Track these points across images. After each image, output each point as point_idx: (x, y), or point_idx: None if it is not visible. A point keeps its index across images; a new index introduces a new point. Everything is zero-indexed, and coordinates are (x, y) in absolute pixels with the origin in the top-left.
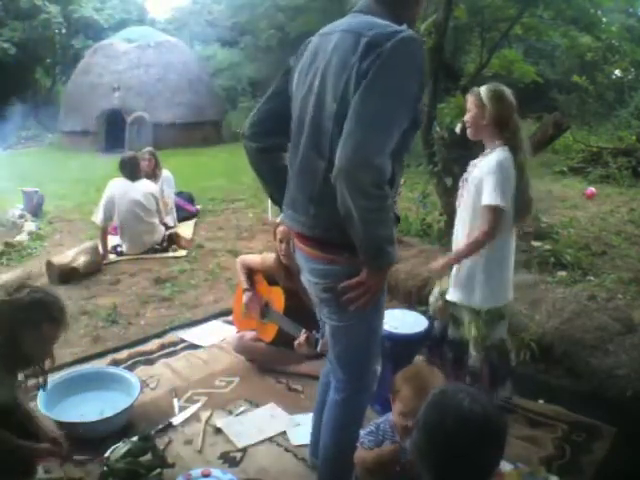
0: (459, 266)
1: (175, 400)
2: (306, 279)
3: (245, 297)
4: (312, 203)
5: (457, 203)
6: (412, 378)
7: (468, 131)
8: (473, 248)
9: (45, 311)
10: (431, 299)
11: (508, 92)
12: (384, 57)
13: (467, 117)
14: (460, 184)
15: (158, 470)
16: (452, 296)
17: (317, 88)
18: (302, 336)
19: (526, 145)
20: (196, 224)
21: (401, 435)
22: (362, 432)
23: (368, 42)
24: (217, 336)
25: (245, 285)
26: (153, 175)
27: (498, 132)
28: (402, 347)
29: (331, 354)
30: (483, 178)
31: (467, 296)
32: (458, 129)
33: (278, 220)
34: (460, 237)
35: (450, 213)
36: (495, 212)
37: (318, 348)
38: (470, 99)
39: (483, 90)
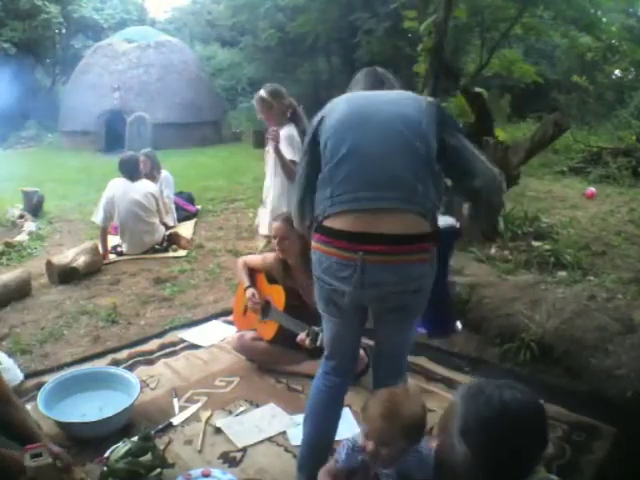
0: None
1: (175, 400)
2: (381, 296)
3: (248, 293)
4: (418, 181)
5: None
6: (383, 400)
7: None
8: None
9: None
10: None
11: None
12: None
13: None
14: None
15: (158, 470)
16: None
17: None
18: (303, 333)
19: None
20: (196, 224)
21: (366, 455)
22: (340, 447)
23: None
24: (217, 336)
25: (247, 282)
26: (151, 176)
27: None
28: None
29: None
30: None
31: None
32: None
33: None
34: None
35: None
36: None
37: (318, 342)
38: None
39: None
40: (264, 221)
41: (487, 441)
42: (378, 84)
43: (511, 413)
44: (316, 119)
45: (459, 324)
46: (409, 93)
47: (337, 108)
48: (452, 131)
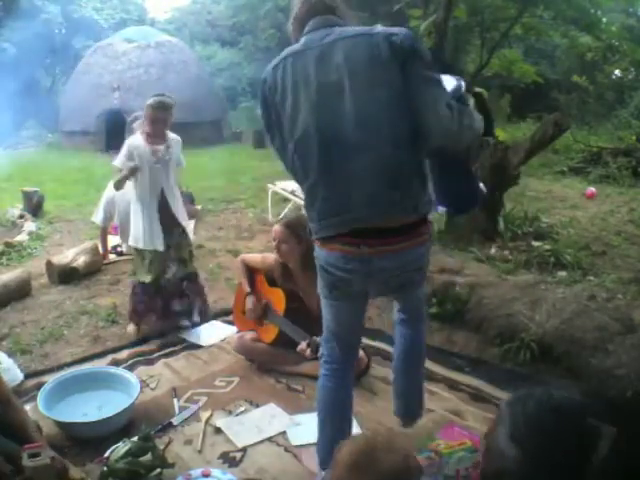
0: None
1: (175, 400)
2: (385, 280)
3: (248, 302)
4: (397, 190)
5: None
6: (357, 448)
7: None
8: None
9: None
10: None
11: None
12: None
13: None
14: None
15: (158, 470)
16: None
17: (349, 95)
18: (304, 343)
19: None
20: (196, 224)
21: None
22: None
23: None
24: (217, 336)
25: (248, 289)
26: None
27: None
28: None
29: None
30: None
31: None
32: None
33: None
34: None
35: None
36: None
37: (319, 353)
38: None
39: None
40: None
41: (540, 439)
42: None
43: (564, 411)
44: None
45: (483, 186)
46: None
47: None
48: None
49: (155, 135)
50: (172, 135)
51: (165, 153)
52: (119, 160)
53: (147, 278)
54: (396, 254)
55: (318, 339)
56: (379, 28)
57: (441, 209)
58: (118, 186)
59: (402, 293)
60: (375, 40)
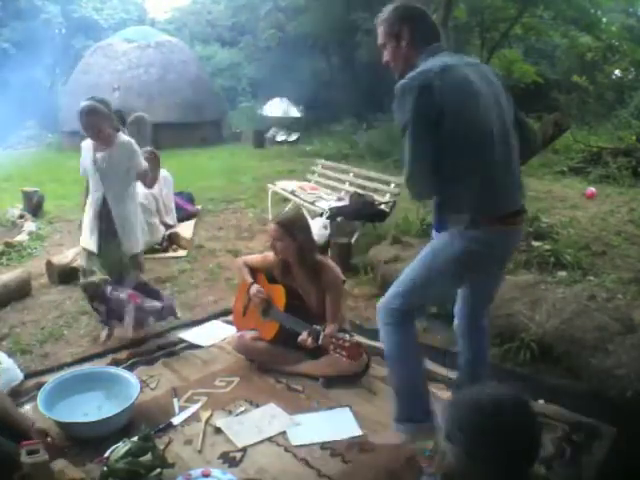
0: None
1: (175, 400)
2: (502, 258)
3: (253, 289)
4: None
5: None
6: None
7: None
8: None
9: None
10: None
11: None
12: None
13: None
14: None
15: (158, 470)
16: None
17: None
18: (305, 333)
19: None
20: (196, 224)
21: None
22: None
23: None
24: (217, 336)
25: (250, 279)
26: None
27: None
28: None
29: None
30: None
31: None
32: None
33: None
34: None
35: None
36: None
37: (319, 341)
38: None
39: None
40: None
41: (470, 437)
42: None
43: (486, 407)
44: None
45: None
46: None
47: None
48: None
49: (96, 141)
50: (122, 139)
51: (103, 161)
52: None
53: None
54: (520, 230)
55: (319, 327)
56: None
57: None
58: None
59: (502, 272)
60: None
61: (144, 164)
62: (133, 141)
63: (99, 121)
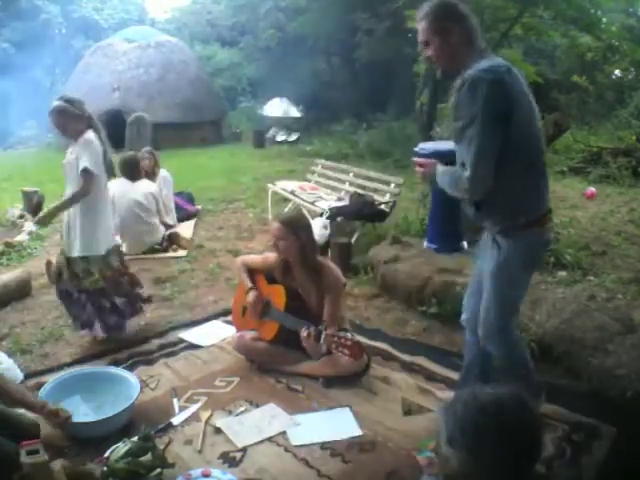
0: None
1: (175, 400)
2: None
3: (251, 295)
4: None
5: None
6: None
7: None
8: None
9: None
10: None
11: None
12: None
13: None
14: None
15: (158, 470)
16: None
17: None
18: (305, 330)
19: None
20: (196, 224)
21: None
22: None
23: None
24: (217, 336)
25: (249, 284)
26: (152, 174)
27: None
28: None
29: None
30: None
31: (68, 248)
32: None
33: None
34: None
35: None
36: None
37: (321, 340)
38: None
39: None
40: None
41: (473, 440)
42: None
43: (488, 408)
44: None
45: (465, 244)
46: None
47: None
48: None
49: (68, 138)
50: (84, 138)
51: (65, 158)
52: None
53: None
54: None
55: (320, 327)
56: None
57: (429, 245)
58: None
59: None
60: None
61: (86, 166)
62: (92, 141)
63: (64, 121)
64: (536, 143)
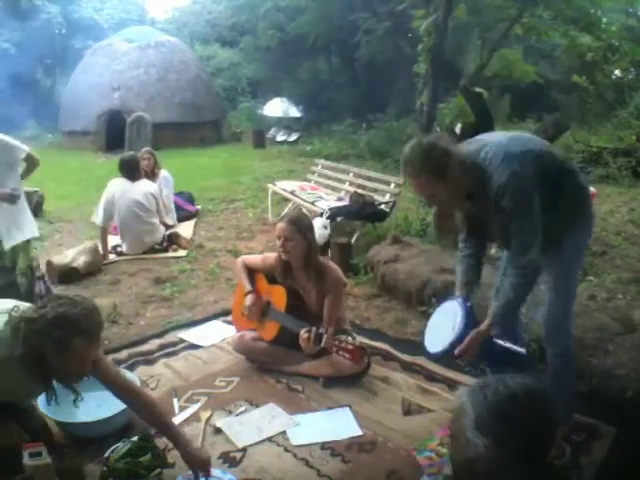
0: None
1: (175, 400)
2: None
3: (248, 299)
4: None
5: None
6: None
7: None
8: None
9: (69, 326)
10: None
11: None
12: None
13: None
14: None
15: (158, 470)
16: None
17: None
18: (305, 332)
19: None
20: (196, 224)
21: None
22: None
23: None
24: (217, 336)
25: (248, 287)
26: (152, 174)
27: None
28: None
29: None
30: None
31: None
32: (458, 129)
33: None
34: None
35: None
36: None
37: (322, 343)
38: None
39: None
40: None
41: (503, 427)
42: None
43: (520, 397)
44: None
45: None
46: None
47: None
48: None
49: None
50: None
51: None
52: None
53: None
54: None
55: (321, 330)
56: None
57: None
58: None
59: None
60: None
61: None
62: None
63: None
64: None
